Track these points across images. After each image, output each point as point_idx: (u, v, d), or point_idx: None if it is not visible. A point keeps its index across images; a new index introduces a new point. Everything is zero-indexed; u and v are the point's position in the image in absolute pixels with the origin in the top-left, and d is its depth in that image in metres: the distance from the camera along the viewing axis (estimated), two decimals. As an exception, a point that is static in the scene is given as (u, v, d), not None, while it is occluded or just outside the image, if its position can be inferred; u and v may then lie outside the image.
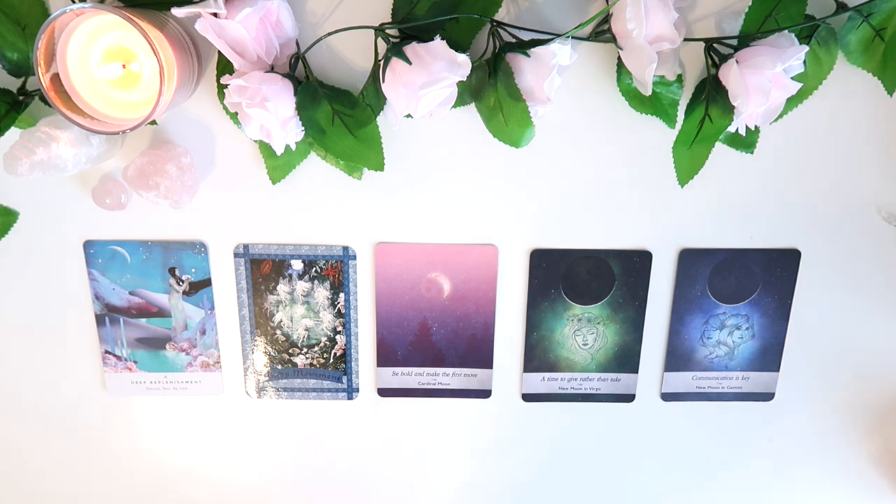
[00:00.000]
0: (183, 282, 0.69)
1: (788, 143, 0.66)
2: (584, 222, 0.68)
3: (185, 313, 0.70)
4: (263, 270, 0.69)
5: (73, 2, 0.55)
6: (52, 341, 0.71)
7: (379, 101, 0.61)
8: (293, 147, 0.61)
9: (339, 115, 0.60)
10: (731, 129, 0.60)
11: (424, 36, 0.57)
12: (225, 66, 0.60)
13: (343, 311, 0.70)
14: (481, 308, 0.71)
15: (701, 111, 0.60)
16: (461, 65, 0.56)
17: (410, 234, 0.68)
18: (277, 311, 0.70)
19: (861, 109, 0.65)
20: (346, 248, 0.68)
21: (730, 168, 0.66)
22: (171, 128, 0.64)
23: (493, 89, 0.59)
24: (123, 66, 0.55)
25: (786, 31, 0.57)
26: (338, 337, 0.71)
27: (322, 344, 0.72)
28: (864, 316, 0.72)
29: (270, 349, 0.72)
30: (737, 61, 0.57)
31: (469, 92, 0.60)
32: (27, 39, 0.57)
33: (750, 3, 0.58)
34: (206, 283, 0.69)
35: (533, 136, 0.59)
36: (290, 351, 0.72)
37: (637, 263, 0.70)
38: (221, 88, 0.61)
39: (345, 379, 0.73)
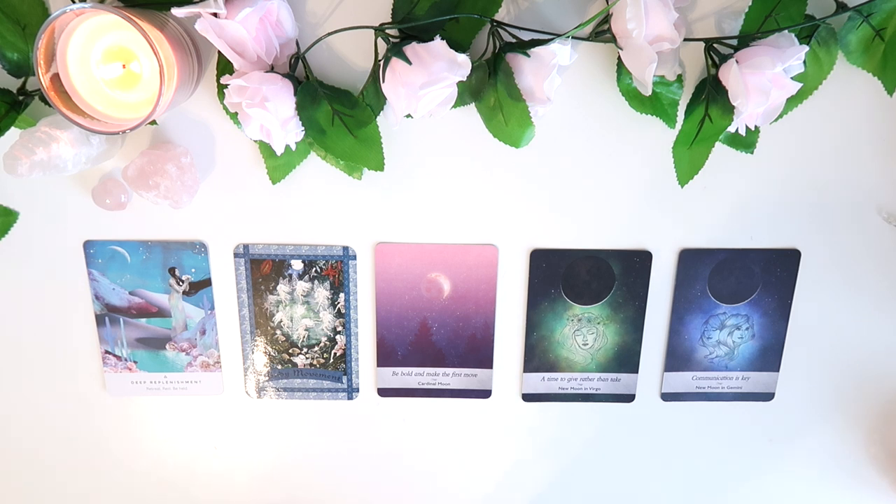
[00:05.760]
0: (183, 282, 0.69)
1: (788, 143, 0.66)
2: (584, 222, 0.68)
3: (185, 313, 0.70)
4: (263, 270, 0.69)
5: (73, 2, 0.55)
6: (52, 341, 0.71)
7: (379, 101, 0.61)
8: (293, 147, 0.61)
9: (339, 115, 0.60)
10: (731, 129, 0.60)
11: (424, 36, 0.57)
12: (225, 66, 0.60)
13: (343, 311, 0.70)
14: (481, 308, 0.71)
15: (701, 111, 0.60)
16: (461, 65, 0.56)
17: (410, 234, 0.68)
18: (277, 311, 0.70)
19: (861, 109, 0.65)
20: (346, 248, 0.68)
21: (730, 168, 0.66)
22: (171, 128, 0.64)
23: (493, 89, 0.59)
24: (123, 65, 0.55)
25: (786, 31, 0.57)
26: (338, 337, 0.71)
27: (322, 344, 0.72)
28: (864, 316, 0.72)
29: (270, 349, 0.72)
30: (737, 61, 0.57)
31: (469, 92, 0.60)
32: (27, 39, 0.57)
33: (750, 3, 0.58)
34: (206, 283, 0.69)
35: (533, 136, 0.59)
36: (290, 351, 0.72)
37: (637, 263, 0.70)
38: (221, 88, 0.61)
39: (345, 379, 0.73)
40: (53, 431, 0.74)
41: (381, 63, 0.58)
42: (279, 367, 0.72)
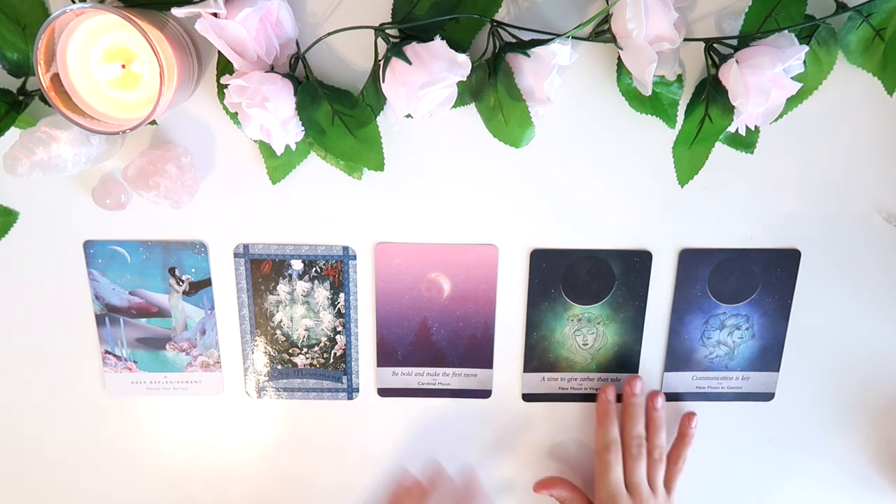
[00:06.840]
0: (183, 282, 0.69)
1: (788, 143, 0.66)
2: (584, 222, 0.68)
3: (185, 313, 0.70)
4: (263, 270, 0.69)
5: (73, 2, 0.55)
6: (52, 341, 0.71)
7: (379, 101, 0.61)
8: (293, 147, 0.61)
9: (339, 115, 0.60)
10: (731, 129, 0.60)
11: (424, 36, 0.57)
12: (225, 66, 0.60)
13: (343, 311, 0.70)
14: (481, 308, 0.71)
15: (701, 111, 0.60)
16: (461, 65, 0.56)
17: (410, 234, 0.68)
18: (277, 311, 0.70)
19: (861, 109, 0.65)
20: (346, 248, 0.68)
21: (730, 168, 0.66)
22: (171, 128, 0.64)
23: (493, 89, 0.59)
24: (123, 66, 0.55)
25: (786, 31, 0.57)
26: (338, 337, 0.71)
27: (322, 344, 0.72)
28: (864, 316, 0.72)
29: (270, 349, 0.72)
30: (737, 61, 0.57)
31: (469, 92, 0.60)
32: (27, 39, 0.57)
33: (750, 3, 0.58)
34: (206, 283, 0.69)
35: (533, 136, 0.59)
36: (290, 351, 0.72)
37: (637, 263, 0.70)
38: (221, 88, 0.61)
39: (345, 379, 0.73)
40: (53, 431, 0.74)
41: (381, 63, 0.58)
42: (279, 367, 0.72)
